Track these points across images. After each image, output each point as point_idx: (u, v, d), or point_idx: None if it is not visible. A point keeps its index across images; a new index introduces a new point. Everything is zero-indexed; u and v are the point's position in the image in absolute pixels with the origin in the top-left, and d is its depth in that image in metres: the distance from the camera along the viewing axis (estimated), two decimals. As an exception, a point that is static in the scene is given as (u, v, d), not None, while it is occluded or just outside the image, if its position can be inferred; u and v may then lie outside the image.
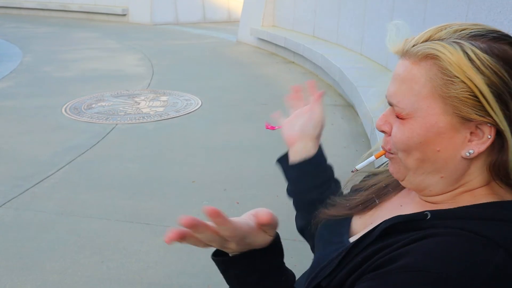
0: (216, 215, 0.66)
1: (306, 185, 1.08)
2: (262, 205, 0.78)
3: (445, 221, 0.71)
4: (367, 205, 0.91)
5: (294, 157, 1.08)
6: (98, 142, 3.96)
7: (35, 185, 3.18)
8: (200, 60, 7.47)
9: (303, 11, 7.46)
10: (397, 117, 0.76)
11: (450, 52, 0.69)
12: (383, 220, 0.78)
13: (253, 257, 0.76)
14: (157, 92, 5.46)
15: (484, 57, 0.68)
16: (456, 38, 0.70)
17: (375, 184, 0.93)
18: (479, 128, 0.70)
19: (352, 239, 0.86)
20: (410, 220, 0.74)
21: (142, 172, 3.40)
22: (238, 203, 2.88)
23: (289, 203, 1.15)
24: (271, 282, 0.78)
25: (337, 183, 1.12)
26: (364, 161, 0.94)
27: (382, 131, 0.81)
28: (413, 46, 0.73)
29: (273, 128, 1.23)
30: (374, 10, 5.37)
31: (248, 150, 3.78)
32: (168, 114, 4.66)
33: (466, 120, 0.70)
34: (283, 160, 1.12)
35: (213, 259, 0.79)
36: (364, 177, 0.99)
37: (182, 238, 0.66)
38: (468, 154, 0.72)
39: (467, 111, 0.69)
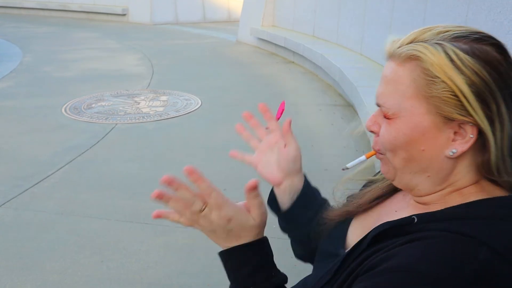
0: (191, 172, 0.77)
1: (301, 220, 1.04)
2: (262, 206, 0.79)
3: (432, 224, 0.73)
4: (364, 213, 0.92)
5: (284, 198, 1.03)
6: (98, 142, 3.96)
7: (35, 185, 3.18)
8: (200, 60, 7.47)
9: (303, 11, 7.46)
10: (385, 117, 0.78)
11: (431, 53, 0.71)
12: None
13: (245, 249, 0.85)
14: (157, 92, 5.46)
15: (465, 58, 0.70)
16: (439, 40, 0.72)
17: (371, 192, 0.93)
18: (462, 128, 0.72)
19: (348, 249, 0.87)
20: (397, 225, 0.76)
21: (142, 172, 3.40)
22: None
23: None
24: (262, 276, 0.85)
25: (326, 202, 1.08)
26: (355, 160, 0.95)
27: (372, 132, 0.83)
28: (398, 47, 0.75)
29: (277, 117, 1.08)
30: (374, 10, 5.37)
31: (248, 150, 3.77)
32: (168, 114, 4.67)
33: (448, 119, 0.72)
34: (271, 201, 1.05)
35: (219, 253, 0.87)
36: (362, 186, 1.00)
37: (161, 197, 0.77)
38: (451, 154, 0.73)
39: (449, 110, 0.71)
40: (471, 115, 0.70)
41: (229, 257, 0.86)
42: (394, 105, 0.75)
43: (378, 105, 0.79)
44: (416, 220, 0.74)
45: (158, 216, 0.82)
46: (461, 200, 0.75)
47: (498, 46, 0.73)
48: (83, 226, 2.71)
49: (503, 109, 0.71)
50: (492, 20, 2.74)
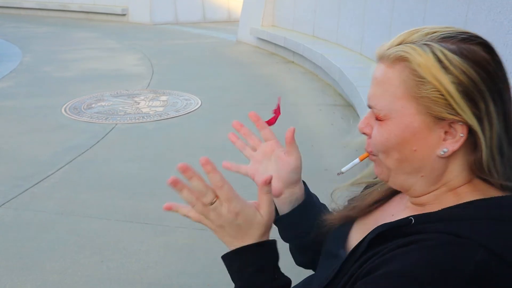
0: (206, 163, 0.77)
1: (302, 228, 1.03)
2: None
3: (429, 225, 0.73)
4: (364, 216, 0.92)
5: (284, 208, 1.01)
6: (98, 142, 3.96)
7: (35, 185, 3.18)
8: (200, 60, 7.47)
9: (303, 11, 7.46)
10: (376, 119, 0.78)
11: (419, 54, 0.72)
12: None
13: (251, 250, 0.83)
14: (157, 92, 5.46)
15: (453, 58, 0.71)
16: (427, 41, 0.73)
17: (371, 195, 0.94)
18: (452, 127, 0.73)
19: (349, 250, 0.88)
20: (395, 227, 0.76)
21: (142, 172, 3.40)
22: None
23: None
24: (265, 277, 0.83)
25: (325, 208, 1.07)
26: (349, 163, 0.94)
27: (364, 133, 0.83)
28: (388, 49, 0.76)
29: (272, 122, 1.07)
30: (374, 10, 5.36)
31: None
32: (168, 114, 4.67)
33: (439, 119, 0.73)
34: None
35: (222, 257, 0.86)
36: (363, 188, 1.00)
37: (176, 184, 0.78)
38: (442, 153, 0.74)
39: (439, 110, 0.72)
40: (459, 114, 0.71)
41: (236, 257, 0.83)
42: (385, 107, 0.76)
43: (370, 107, 0.80)
44: (413, 221, 0.75)
45: (169, 208, 0.83)
46: (456, 200, 0.76)
47: (486, 46, 0.74)
48: (83, 226, 2.71)
49: (492, 108, 0.71)
50: (492, 20, 2.74)
